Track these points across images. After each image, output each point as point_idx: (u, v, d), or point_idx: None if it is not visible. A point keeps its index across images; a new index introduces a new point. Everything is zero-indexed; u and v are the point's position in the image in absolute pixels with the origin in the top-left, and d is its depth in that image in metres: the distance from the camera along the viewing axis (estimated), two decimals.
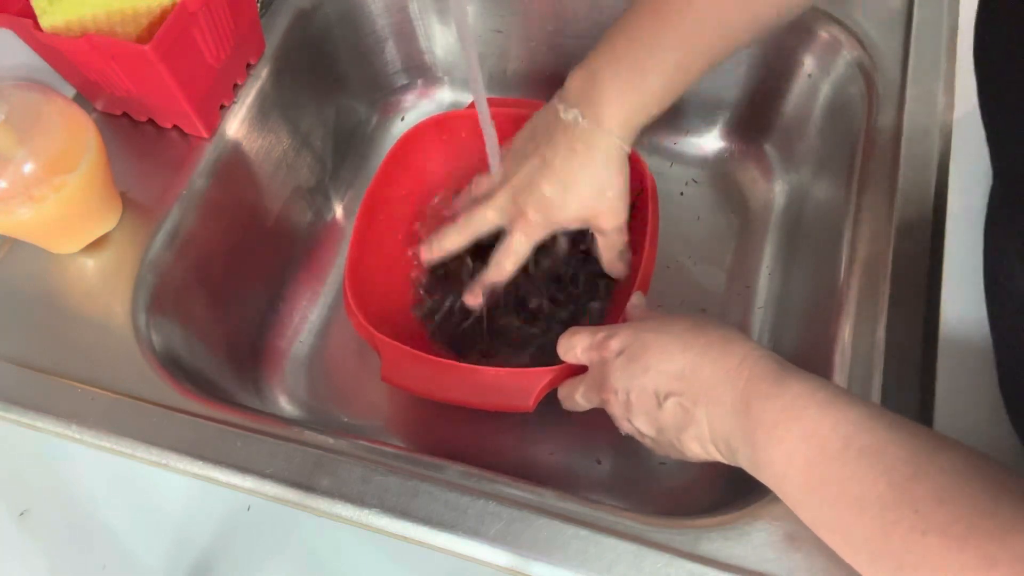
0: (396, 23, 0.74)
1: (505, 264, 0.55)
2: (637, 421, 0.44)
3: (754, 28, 0.49)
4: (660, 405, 0.42)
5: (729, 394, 0.39)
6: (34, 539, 0.49)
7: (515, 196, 0.53)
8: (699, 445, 0.42)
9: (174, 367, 0.52)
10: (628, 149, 0.51)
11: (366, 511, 0.45)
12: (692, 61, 0.49)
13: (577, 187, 0.51)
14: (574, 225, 0.54)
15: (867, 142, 0.55)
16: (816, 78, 0.63)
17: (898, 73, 0.57)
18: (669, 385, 0.41)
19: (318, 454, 0.47)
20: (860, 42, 0.59)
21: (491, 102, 0.54)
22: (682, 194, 0.73)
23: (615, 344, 0.45)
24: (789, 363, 0.40)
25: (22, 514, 0.49)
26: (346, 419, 0.64)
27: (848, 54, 0.60)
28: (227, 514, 0.48)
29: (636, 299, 0.53)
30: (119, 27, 0.52)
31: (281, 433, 0.48)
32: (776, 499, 0.43)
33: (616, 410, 0.45)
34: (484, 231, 0.56)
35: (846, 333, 0.49)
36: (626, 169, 0.52)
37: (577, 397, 0.49)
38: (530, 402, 0.52)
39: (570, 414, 0.62)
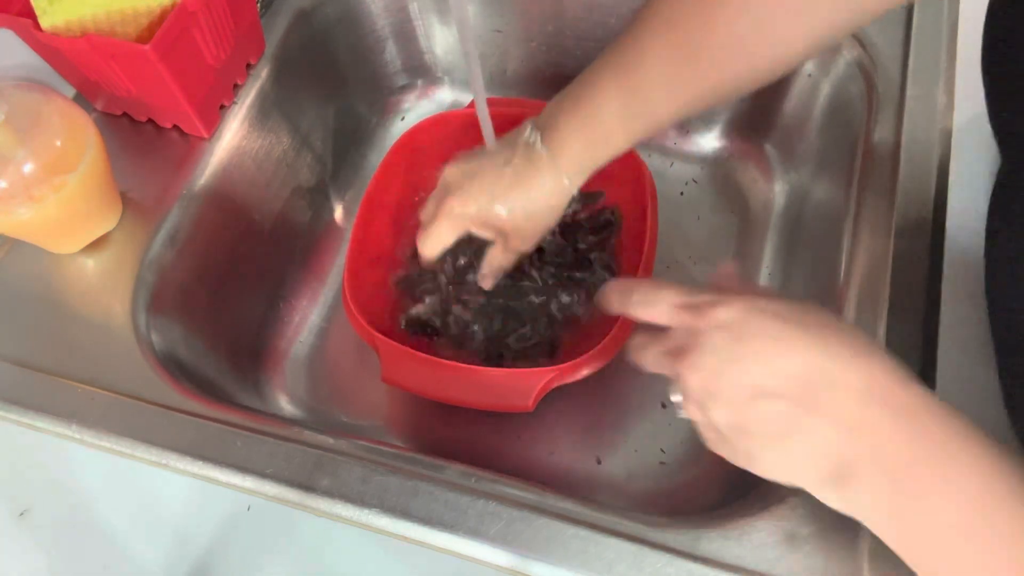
0: (396, 23, 0.74)
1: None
2: (715, 412, 0.36)
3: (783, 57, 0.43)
4: (754, 403, 0.34)
5: (856, 406, 0.32)
6: (34, 539, 0.49)
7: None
8: (791, 463, 0.35)
9: (174, 367, 0.52)
10: (572, 187, 0.50)
11: (366, 511, 0.45)
12: (680, 102, 0.45)
13: (510, 203, 0.51)
14: (486, 232, 0.54)
15: (867, 142, 0.55)
16: (816, 78, 0.63)
17: (898, 73, 0.57)
18: (778, 384, 0.34)
19: (318, 454, 0.47)
20: (860, 42, 0.59)
21: (491, 102, 0.54)
22: (682, 194, 0.73)
23: (722, 314, 0.36)
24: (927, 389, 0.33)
25: (22, 514, 0.49)
26: (346, 419, 0.64)
27: (848, 53, 0.60)
28: (227, 514, 0.48)
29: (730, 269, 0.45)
30: (119, 27, 0.52)
31: (281, 433, 0.48)
32: (777, 500, 0.44)
33: (692, 390, 0.37)
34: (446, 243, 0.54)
35: None
36: (561, 205, 0.51)
37: (649, 357, 0.41)
38: (529, 402, 0.52)
39: (571, 413, 0.62)
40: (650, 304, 0.40)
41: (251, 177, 0.64)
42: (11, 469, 0.51)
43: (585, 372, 0.53)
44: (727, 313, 0.36)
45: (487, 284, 0.60)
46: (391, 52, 0.76)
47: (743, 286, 0.41)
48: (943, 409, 0.32)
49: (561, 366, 0.52)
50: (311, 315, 0.69)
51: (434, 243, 0.54)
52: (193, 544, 0.48)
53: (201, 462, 0.47)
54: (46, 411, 0.49)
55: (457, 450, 0.62)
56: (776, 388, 0.34)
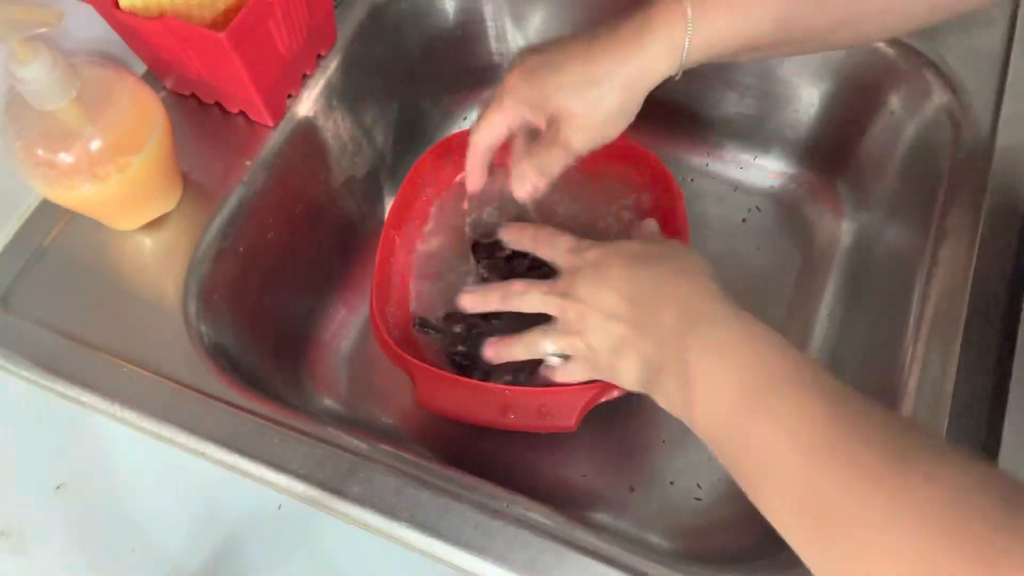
0: (469, 23, 0.73)
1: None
2: (590, 334, 0.45)
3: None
4: (607, 324, 0.43)
5: (669, 321, 0.41)
6: (68, 513, 0.50)
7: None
8: (633, 373, 0.43)
9: (219, 355, 0.52)
10: (682, 60, 0.44)
11: (396, 523, 0.44)
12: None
13: (579, 77, 0.44)
14: (539, 117, 0.47)
15: (949, 192, 0.53)
16: (900, 118, 0.61)
17: (989, 122, 0.54)
18: (620, 307, 0.43)
19: (353, 460, 0.46)
20: (951, 87, 0.56)
21: None
22: (744, 221, 0.70)
23: (592, 255, 0.46)
24: (737, 303, 0.41)
25: (59, 487, 0.50)
26: (384, 419, 0.64)
27: (937, 98, 0.57)
28: (253, 509, 0.48)
29: (651, 226, 0.54)
30: (196, 11, 0.52)
31: (319, 434, 0.47)
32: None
33: (571, 319, 0.46)
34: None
35: (911, 386, 0.47)
36: (639, 96, 0.45)
37: (533, 298, 0.49)
38: (572, 421, 0.51)
39: (607, 435, 0.61)
40: (550, 245, 0.50)
41: (311, 168, 0.64)
42: (52, 441, 0.52)
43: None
44: (596, 255, 0.46)
45: (522, 190, 0.50)
46: (460, 52, 0.75)
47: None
48: (734, 319, 0.40)
49: (605, 385, 0.50)
50: (357, 312, 0.69)
51: (485, 131, 0.49)
52: (215, 535, 0.49)
53: (237, 455, 0.47)
54: (91, 387, 0.49)
55: (490, 461, 0.61)
56: (619, 312, 0.43)
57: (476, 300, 0.52)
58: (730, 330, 0.39)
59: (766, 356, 0.38)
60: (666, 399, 0.42)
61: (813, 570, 0.34)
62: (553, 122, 0.46)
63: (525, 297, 0.49)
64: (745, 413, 0.36)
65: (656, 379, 0.42)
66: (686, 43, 0.42)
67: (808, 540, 0.34)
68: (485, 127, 0.49)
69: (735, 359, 0.38)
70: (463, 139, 0.53)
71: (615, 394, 0.51)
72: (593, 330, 0.45)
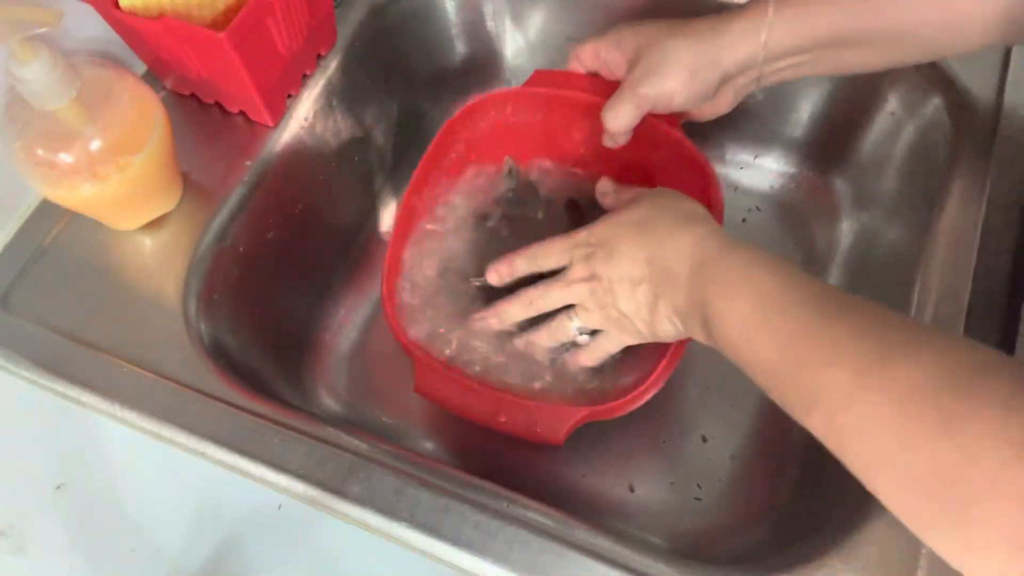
0: (469, 22, 0.73)
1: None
2: (621, 303, 0.47)
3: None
4: (636, 289, 0.46)
5: (684, 271, 0.43)
6: (68, 513, 0.50)
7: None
8: (668, 323, 0.45)
9: (219, 355, 0.52)
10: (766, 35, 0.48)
11: (396, 523, 0.44)
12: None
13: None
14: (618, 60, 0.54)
15: (949, 192, 0.53)
16: (900, 118, 0.61)
17: (989, 124, 0.54)
18: (643, 271, 0.46)
19: (353, 460, 0.46)
20: (952, 87, 0.56)
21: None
22: (744, 221, 0.70)
23: (598, 236, 0.48)
24: (742, 240, 0.43)
25: (59, 487, 0.50)
26: (384, 418, 0.64)
27: (938, 98, 0.57)
28: (257, 509, 0.48)
29: (605, 186, 0.55)
30: (195, 11, 0.52)
31: (318, 434, 0.47)
32: (818, 554, 0.42)
33: (600, 297, 0.48)
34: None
35: None
36: (719, 69, 0.50)
37: (555, 291, 0.50)
38: (560, 436, 0.51)
39: (607, 435, 0.61)
40: (547, 255, 0.51)
41: (311, 168, 0.64)
42: (52, 441, 0.52)
43: (619, 414, 0.51)
44: (598, 235, 0.48)
45: (617, 120, 0.52)
46: (460, 51, 0.75)
47: (615, 201, 0.54)
48: (750, 244, 0.42)
49: (594, 408, 0.50)
50: (357, 312, 0.69)
51: (581, 49, 0.55)
52: (215, 534, 0.48)
53: (237, 455, 0.47)
54: (91, 386, 0.49)
55: (490, 461, 0.61)
56: (643, 275, 0.46)
57: (496, 321, 0.54)
58: (732, 266, 0.42)
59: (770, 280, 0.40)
60: (706, 339, 0.44)
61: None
62: (631, 66, 0.52)
63: (548, 297, 0.51)
64: (753, 329, 0.39)
65: (691, 325, 0.44)
66: (763, 35, 0.47)
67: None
68: (582, 48, 0.55)
69: (747, 289, 0.40)
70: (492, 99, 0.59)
71: (607, 417, 0.51)
72: (624, 298, 0.47)
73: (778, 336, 0.37)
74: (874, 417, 0.32)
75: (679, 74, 0.49)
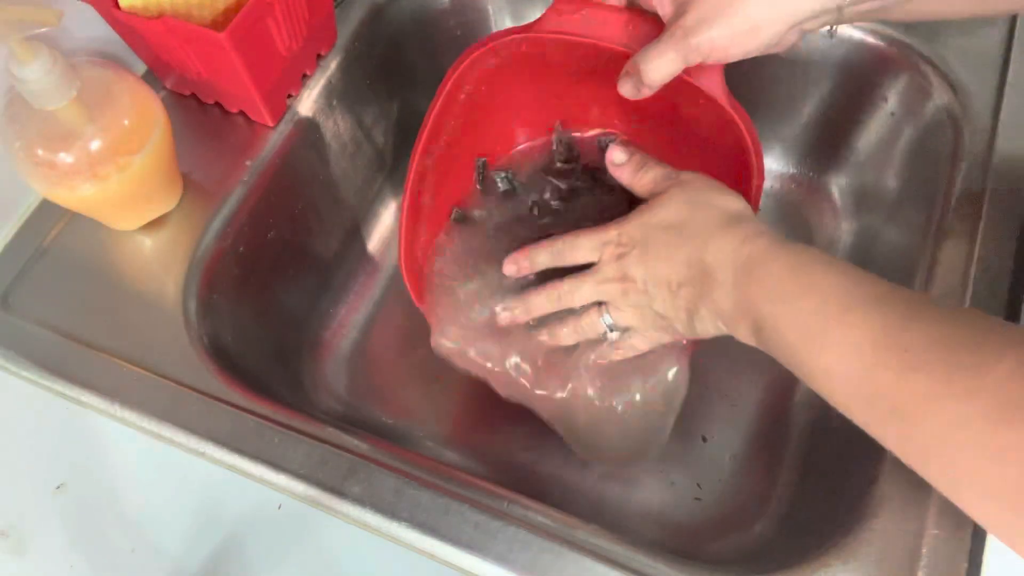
0: (469, 22, 0.73)
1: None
2: (655, 305, 0.45)
3: None
4: (675, 292, 0.44)
5: (728, 274, 0.41)
6: (68, 513, 0.49)
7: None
8: (711, 324, 0.43)
9: (219, 355, 0.52)
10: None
11: (396, 524, 0.44)
12: None
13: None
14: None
15: (949, 192, 0.53)
16: (900, 118, 0.61)
17: (989, 122, 0.54)
18: (681, 274, 0.43)
19: (353, 460, 0.46)
20: (951, 87, 0.56)
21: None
22: None
23: (630, 235, 0.46)
24: (788, 239, 0.41)
25: (59, 487, 0.50)
26: (384, 418, 0.64)
27: (938, 98, 0.57)
28: (257, 509, 0.48)
29: (617, 155, 0.49)
30: (196, 11, 0.52)
31: (318, 434, 0.47)
32: (817, 553, 0.42)
33: (633, 298, 0.46)
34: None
35: None
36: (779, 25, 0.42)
37: (586, 288, 0.48)
38: None
39: None
40: (574, 248, 0.48)
41: (311, 168, 0.64)
42: (52, 441, 0.51)
43: None
44: (630, 234, 0.46)
45: (658, 72, 0.44)
46: (460, 52, 0.75)
47: (630, 175, 0.49)
48: (799, 244, 0.41)
49: None
50: (358, 311, 0.69)
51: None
52: (215, 534, 0.48)
53: (237, 455, 0.47)
54: (91, 386, 0.49)
55: (491, 459, 0.61)
56: (681, 279, 0.43)
57: (524, 316, 0.51)
58: (786, 267, 0.39)
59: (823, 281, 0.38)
60: (755, 342, 0.42)
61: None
62: (680, 5, 0.43)
63: (578, 292, 0.48)
64: (813, 333, 0.37)
65: (737, 327, 0.42)
66: None
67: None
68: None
69: (805, 291, 0.38)
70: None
71: None
72: (661, 301, 0.45)
73: (845, 340, 0.35)
74: (961, 426, 0.30)
75: (742, 26, 0.41)
